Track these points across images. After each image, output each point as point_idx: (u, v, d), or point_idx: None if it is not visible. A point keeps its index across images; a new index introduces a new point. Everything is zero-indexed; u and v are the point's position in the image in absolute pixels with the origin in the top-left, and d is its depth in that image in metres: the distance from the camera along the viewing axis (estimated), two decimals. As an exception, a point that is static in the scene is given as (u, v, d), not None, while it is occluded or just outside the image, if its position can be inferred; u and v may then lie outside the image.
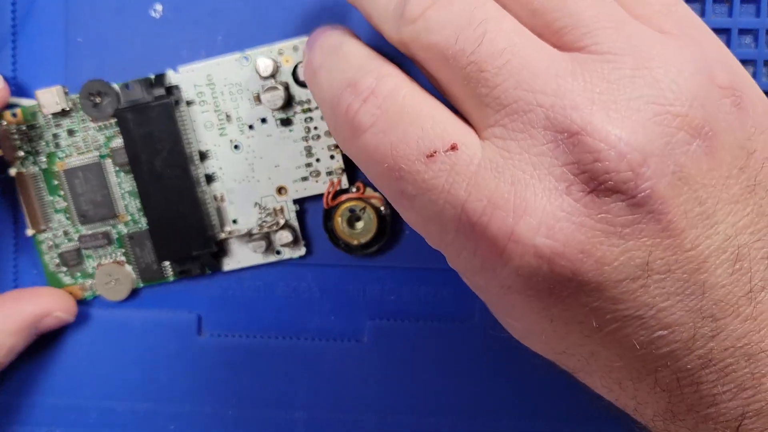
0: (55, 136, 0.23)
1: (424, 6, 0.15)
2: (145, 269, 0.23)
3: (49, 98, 0.22)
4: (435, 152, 0.14)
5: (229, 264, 0.23)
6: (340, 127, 0.16)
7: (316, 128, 0.22)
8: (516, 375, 0.23)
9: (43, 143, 0.23)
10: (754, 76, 0.22)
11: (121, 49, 0.23)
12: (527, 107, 0.14)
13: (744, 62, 0.22)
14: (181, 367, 0.24)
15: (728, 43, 0.22)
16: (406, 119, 0.15)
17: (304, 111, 0.22)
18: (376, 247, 0.23)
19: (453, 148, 0.14)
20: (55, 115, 0.22)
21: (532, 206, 0.13)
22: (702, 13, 0.22)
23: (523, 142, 0.14)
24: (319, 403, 0.24)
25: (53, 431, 0.24)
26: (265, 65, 0.21)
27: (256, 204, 0.23)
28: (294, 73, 0.22)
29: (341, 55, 0.16)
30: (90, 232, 0.23)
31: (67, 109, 0.22)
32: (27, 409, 0.24)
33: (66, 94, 0.22)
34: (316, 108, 0.22)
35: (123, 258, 0.23)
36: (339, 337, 0.24)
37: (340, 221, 0.22)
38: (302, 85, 0.22)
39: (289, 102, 0.22)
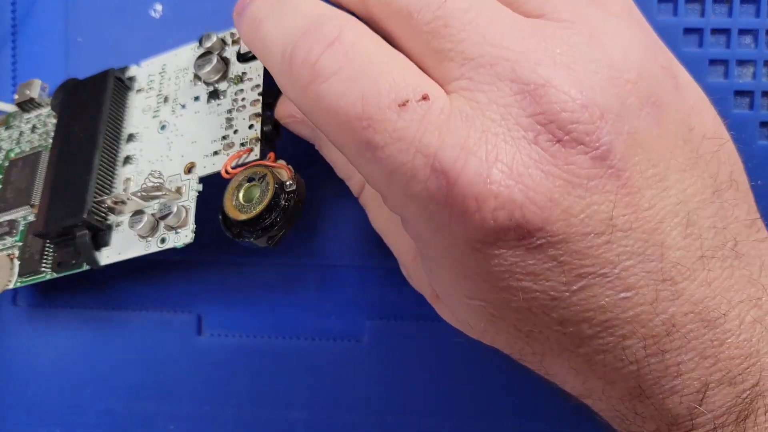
0: (21, 133, 0.23)
1: None
2: (27, 260, 0.21)
3: (24, 89, 0.22)
4: (407, 101, 0.14)
5: (108, 256, 0.21)
6: (295, 75, 0.15)
7: (243, 99, 0.20)
8: (516, 375, 0.23)
9: (10, 140, 0.23)
10: (754, 76, 0.22)
11: (121, 49, 0.23)
12: (493, 60, 0.14)
13: (744, 62, 0.22)
14: (181, 367, 0.24)
15: (728, 43, 0.22)
16: (375, 68, 0.15)
17: (236, 83, 0.21)
18: (267, 232, 0.18)
19: (424, 98, 0.14)
20: (27, 110, 0.23)
21: (504, 153, 0.14)
22: (702, 13, 0.22)
23: (491, 93, 0.14)
24: (318, 403, 0.24)
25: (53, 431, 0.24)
26: (207, 38, 0.21)
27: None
28: (239, 50, 0.21)
29: (291, 3, 0.16)
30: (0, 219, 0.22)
31: (35, 98, 0.22)
32: (27, 410, 0.24)
33: (44, 89, 0.22)
34: (249, 79, 0.21)
35: (17, 252, 0.22)
36: (339, 337, 0.24)
37: (233, 194, 0.18)
38: (244, 60, 0.21)
39: (224, 75, 0.21)
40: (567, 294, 0.14)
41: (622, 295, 0.14)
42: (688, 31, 0.22)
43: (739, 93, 0.22)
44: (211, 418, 0.24)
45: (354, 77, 0.15)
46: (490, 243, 0.14)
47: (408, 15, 0.15)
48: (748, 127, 0.22)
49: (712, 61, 0.22)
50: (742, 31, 0.22)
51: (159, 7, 0.23)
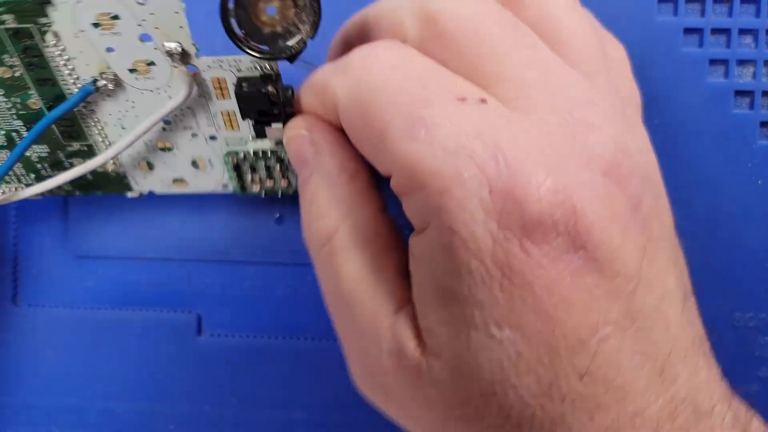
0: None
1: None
2: None
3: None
4: (466, 98, 0.14)
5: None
6: (356, 55, 0.16)
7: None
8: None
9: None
10: (754, 76, 0.22)
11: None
12: (554, 99, 0.15)
13: (744, 62, 0.22)
14: (181, 368, 0.24)
15: (728, 43, 0.22)
16: (438, 69, 0.15)
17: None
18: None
19: (483, 100, 0.14)
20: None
21: (559, 165, 0.14)
22: (702, 13, 0.22)
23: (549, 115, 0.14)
24: (318, 403, 0.24)
25: None
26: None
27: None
28: None
29: None
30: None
31: None
32: (27, 410, 0.24)
33: None
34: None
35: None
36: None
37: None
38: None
39: None
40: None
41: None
42: (688, 31, 0.22)
43: (740, 93, 0.22)
44: (211, 418, 0.24)
45: (410, 67, 0.15)
46: (538, 232, 0.13)
47: (477, 34, 0.15)
48: (748, 127, 0.22)
49: (713, 61, 0.22)
50: (743, 31, 0.22)
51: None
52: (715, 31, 0.22)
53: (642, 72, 0.21)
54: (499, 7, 0.16)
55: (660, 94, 0.22)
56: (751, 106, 0.22)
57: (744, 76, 0.22)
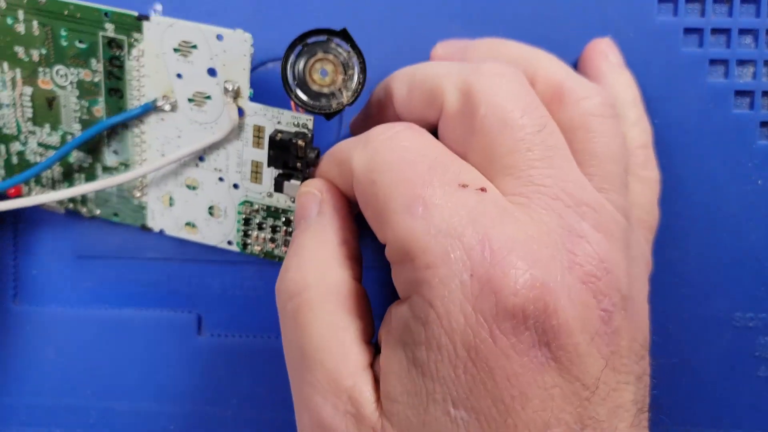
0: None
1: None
2: None
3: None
4: (467, 185, 0.15)
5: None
6: (368, 135, 0.17)
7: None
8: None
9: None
10: (754, 76, 0.22)
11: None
12: (554, 194, 0.15)
13: (744, 62, 0.22)
14: (181, 367, 0.24)
15: (728, 43, 0.22)
16: (445, 153, 0.16)
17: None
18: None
19: (483, 189, 0.15)
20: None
21: (545, 263, 0.14)
22: (702, 13, 0.22)
23: (547, 216, 0.15)
24: (318, 403, 0.24)
25: None
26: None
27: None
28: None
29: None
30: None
31: None
32: (27, 410, 0.24)
33: None
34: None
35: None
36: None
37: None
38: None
39: None
40: None
41: None
42: (688, 31, 0.22)
43: (740, 93, 0.22)
44: (211, 418, 0.24)
45: (423, 150, 0.16)
46: (509, 322, 0.14)
47: (503, 125, 0.16)
48: (748, 127, 0.22)
49: (713, 61, 0.22)
50: (743, 31, 0.22)
51: (159, 7, 0.22)
52: (715, 31, 0.22)
53: (642, 72, 0.21)
54: (538, 103, 0.16)
55: (660, 94, 0.22)
56: (751, 106, 0.22)
57: (744, 76, 0.22)
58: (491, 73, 0.17)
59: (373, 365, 0.16)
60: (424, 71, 0.18)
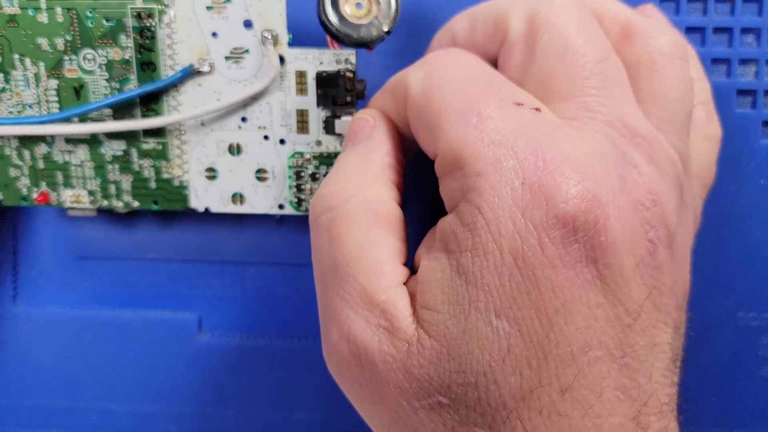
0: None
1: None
2: None
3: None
4: (522, 104, 0.15)
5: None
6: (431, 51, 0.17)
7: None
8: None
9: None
10: (757, 75, 0.22)
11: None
12: (609, 120, 0.15)
13: (746, 61, 0.22)
14: (181, 368, 0.24)
15: (730, 42, 0.22)
16: (504, 78, 0.16)
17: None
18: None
19: (537, 109, 0.15)
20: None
21: (597, 174, 0.14)
22: (704, 12, 0.22)
23: (598, 137, 0.15)
24: (319, 403, 0.24)
25: (53, 432, 0.24)
26: None
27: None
28: None
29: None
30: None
31: None
32: (27, 411, 0.24)
33: None
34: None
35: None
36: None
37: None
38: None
39: None
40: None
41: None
42: (690, 30, 0.22)
43: (742, 92, 0.22)
44: (212, 418, 0.24)
45: (480, 69, 0.16)
46: (558, 231, 0.14)
47: (564, 51, 0.16)
48: (750, 126, 0.22)
49: (715, 60, 0.22)
50: (745, 30, 0.22)
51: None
52: (717, 30, 0.22)
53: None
54: (602, 36, 0.16)
55: (662, 93, 0.22)
56: (754, 105, 0.22)
57: (746, 75, 0.22)
58: (559, 2, 0.17)
59: (407, 284, 0.16)
60: (490, 3, 0.18)
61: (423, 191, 0.22)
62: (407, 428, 0.15)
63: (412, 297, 0.15)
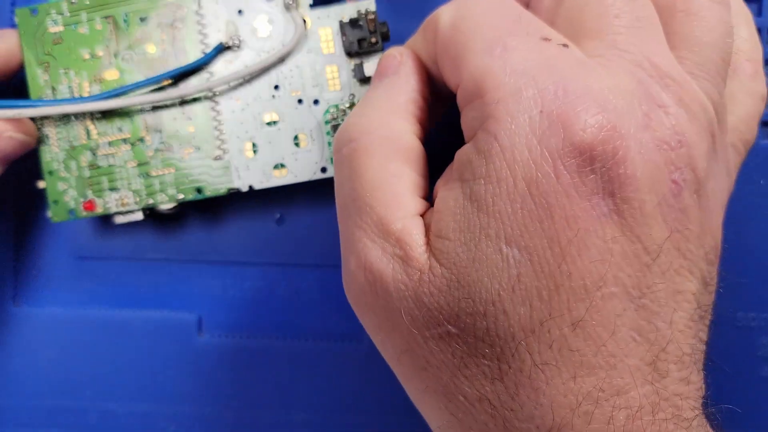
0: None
1: None
2: None
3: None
4: (550, 39, 0.15)
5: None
6: None
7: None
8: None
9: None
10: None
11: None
12: (636, 58, 0.15)
13: (746, 61, 0.22)
14: (181, 368, 0.24)
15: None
16: (530, 14, 0.16)
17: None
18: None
19: (565, 45, 0.15)
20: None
21: (617, 107, 0.14)
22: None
23: (624, 74, 0.15)
24: (319, 403, 0.24)
25: (53, 432, 0.24)
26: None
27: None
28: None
29: None
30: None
31: None
32: (27, 411, 0.24)
33: None
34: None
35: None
36: (339, 338, 0.24)
37: None
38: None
39: None
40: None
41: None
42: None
43: (742, 92, 0.22)
44: (212, 419, 0.24)
45: (510, 5, 0.16)
46: (574, 160, 0.13)
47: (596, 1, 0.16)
48: (750, 126, 0.22)
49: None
50: (745, 30, 0.22)
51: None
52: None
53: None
54: None
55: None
56: (754, 104, 0.22)
57: (746, 75, 0.22)
58: None
59: (424, 216, 0.16)
60: None
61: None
62: (418, 357, 0.15)
63: (428, 227, 0.15)
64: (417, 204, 0.16)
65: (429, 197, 0.16)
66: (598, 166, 0.13)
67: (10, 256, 0.24)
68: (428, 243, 0.15)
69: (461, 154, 0.15)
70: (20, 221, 0.24)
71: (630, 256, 0.13)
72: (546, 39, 0.15)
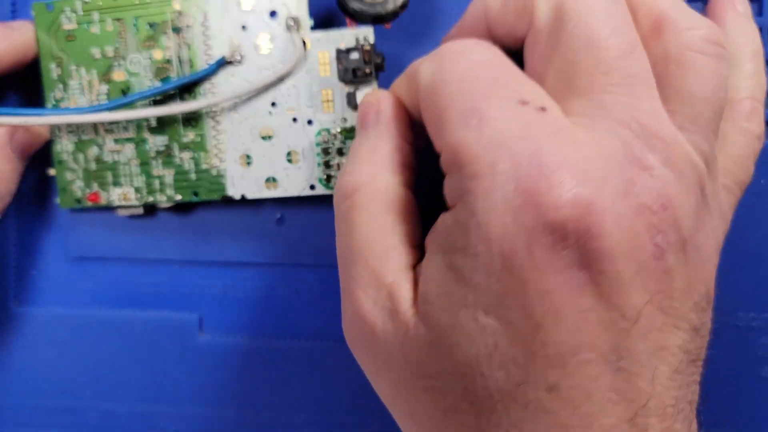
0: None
1: None
2: None
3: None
4: (528, 102, 0.15)
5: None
6: (439, 52, 0.17)
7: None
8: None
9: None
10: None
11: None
12: (626, 118, 0.15)
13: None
14: (182, 368, 0.24)
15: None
16: (509, 69, 0.16)
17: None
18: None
19: (543, 109, 0.15)
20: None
21: (598, 179, 0.14)
22: (703, 12, 0.22)
23: (611, 138, 0.15)
24: (320, 404, 0.24)
25: (53, 433, 0.24)
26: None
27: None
28: None
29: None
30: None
31: None
32: (28, 411, 0.24)
33: None
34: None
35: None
36: (340, 338, 0.23)
37: None
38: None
39: None
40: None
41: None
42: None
43: (741, 93, 0.22)
44: (212, 419, 0.24)
45: (489, 66, 0.16)
46: (547, 238, 0.14)
47: (587, 44, 0.15)
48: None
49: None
50: (744, 31, 0.22)
51: None
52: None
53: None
54: (630, 27, 0.16)
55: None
56: (753, 105, 0.22)
57: (745, 76, 0.22)
58: None
59: (415, 267, 0.16)
60: None
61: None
62: (406, 404, 0.16)
63: (417, 282, 0.16)
64: (408, 255, 0.17)
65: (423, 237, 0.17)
66: (572, 242, 0.14)
67: (11, 256, 0.24)
68: (415, 299, 0.16)
69: (443, 221, 0.15)
70: (21, 221, 0.24)
71: (606, 323, 0.14)
72: (524, 102, 0.15)
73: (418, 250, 0.17)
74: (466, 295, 0.14)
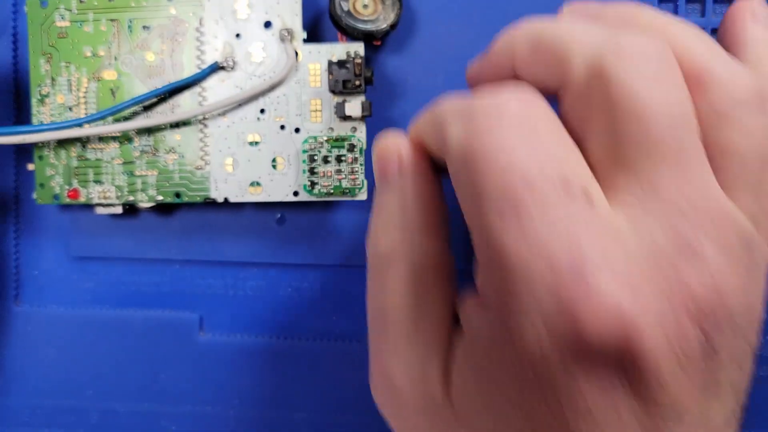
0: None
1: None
2: None
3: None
4: (571, 185, 0.13)
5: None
6: (474, 115, 0.15)
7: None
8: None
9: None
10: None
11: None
12: (681, 204, 0.13)
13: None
14: (182, 368, 0.24)
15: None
16: (554, 142, 0.14)
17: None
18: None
19: (588, 196, 0.13)
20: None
21: (643, 293, 0.13)
22: (702, 13, 0.22)
23: (659, 229, 0.13)
24: (319, 403, 0.24)
25: (54, 432, 0.24)
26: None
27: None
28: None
29: None
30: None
31: None
32: (28, 410, 0.24)
33: None
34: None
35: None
36: (340, 338, 0.24)
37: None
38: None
39: None
40: None
41: None
42: (688, 31, 0.22)
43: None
44: (212, 418, 0.24)
45: (528, 131, 0.14)
46: (587, 357, 0.13)
47: (635, 115, 0.14)
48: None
49: (713, 61, 0.22)
50: (743, 31, 0.22)
51: None
52: (716, 31, 0.22)
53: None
54: (683, 93, 0.14)
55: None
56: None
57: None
58: (632, 49, 0.14)
59: (451, 336, 0.16)
60: (553, 32, 0.16)
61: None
62: None
63: (452, 353, 0.16)
64: (442, 322, 0.16)
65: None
66: (612, 360, 0.13)
67: (11, 256, 0.24)
68: (446, 371, 0.15)
69: (477, 317, 0.15)
70: (21, 221, 0.24)
71: (644, 418, 0.13)
72: (566, 184, 0.13)
73: (454, 312, 0.16)
74: (497, 391, 0.14)
